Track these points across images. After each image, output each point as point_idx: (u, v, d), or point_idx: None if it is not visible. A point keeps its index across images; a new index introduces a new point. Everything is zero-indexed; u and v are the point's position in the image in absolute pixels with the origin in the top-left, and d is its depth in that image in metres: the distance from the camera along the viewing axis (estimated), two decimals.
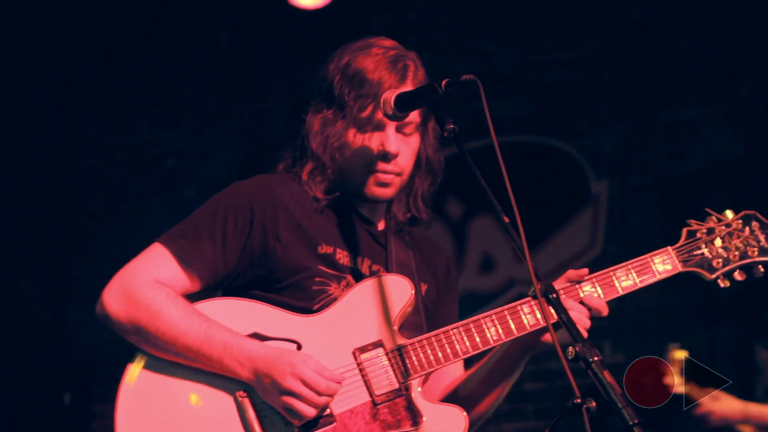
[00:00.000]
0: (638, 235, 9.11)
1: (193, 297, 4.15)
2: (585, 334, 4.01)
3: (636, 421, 3.17)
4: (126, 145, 9.97)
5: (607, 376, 3.27)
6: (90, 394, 9.35)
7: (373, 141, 4.22)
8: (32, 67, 9.49)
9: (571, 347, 3.33)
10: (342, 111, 4.23)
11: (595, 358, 3.31)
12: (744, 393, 8.06)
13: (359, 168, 4.23)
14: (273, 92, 9.31)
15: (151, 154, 9.89)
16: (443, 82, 3.96)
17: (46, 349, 9.47)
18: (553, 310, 3.55)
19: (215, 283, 4.18)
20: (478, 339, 4.13)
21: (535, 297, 3.54)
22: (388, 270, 4.30)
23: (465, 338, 4.12)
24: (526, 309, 4.15)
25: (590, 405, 3.24)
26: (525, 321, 4.14)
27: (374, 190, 4.26)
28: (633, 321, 9.07)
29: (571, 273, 4.25)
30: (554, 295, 3.53)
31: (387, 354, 4.08)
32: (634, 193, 9.34)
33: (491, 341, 4.13)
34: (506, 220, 3.65)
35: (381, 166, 4.22)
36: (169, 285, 4.08)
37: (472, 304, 8.19)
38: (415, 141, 4.31)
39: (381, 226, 4.42)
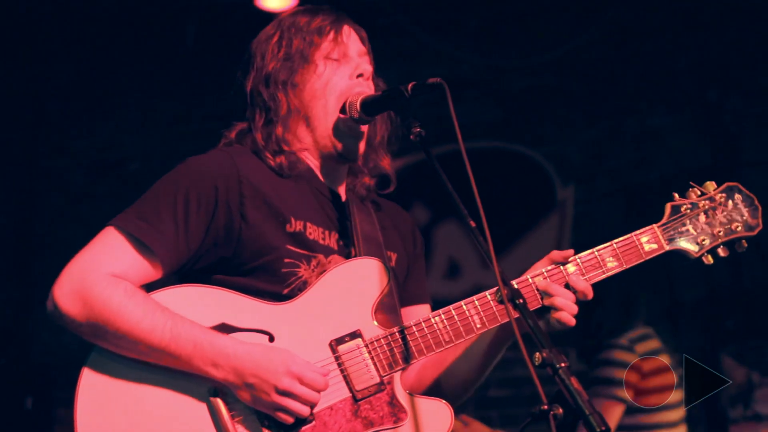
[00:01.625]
0: (604, 241, 9.10)
1: (150, 284, 3.88)
2: (573, 321, 3.97)
3: (603, 428, 3.13)
4: (90, 147, 9.91)
5: (574, 382, 3.22)
6: (52, 398, 9.27)
7: (342, 68, 4.18)
8: None
9: (537, 353, 3.28)
10: (302, 45, 4.18)
11: (562, 365, 3.26)
12: (708, 400, 8.10)
13: (331, 102, 4.15)
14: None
15: (115, 156, 9.84)
16: (410, 86, 3.92)
17: (8, 353, 9.37)
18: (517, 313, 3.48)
19: (177, 267, 3.92)
20: (461, 326, 3.97)
21: (501, 302, 3.49)
22: (354, 244, 4.15)
23: (448, 327, 3.96)
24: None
25: (557, 411, 3.20)
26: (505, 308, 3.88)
27: (348, 142, 4.16)
28: None
29: (556, 254, 4.10)
30: (521, 301, 3.47)
31: (366, 345, 3.91)
32: (600, 199, 9.35)
33: (475, 329, 3.98)
34: (473, 224, 3.58)
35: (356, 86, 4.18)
36: (127, 275, 3.81)
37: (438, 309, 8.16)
38: (370, 91, 4.25)
39: (343, 193, 4.29)
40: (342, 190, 4.29)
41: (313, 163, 4.23)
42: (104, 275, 3.78)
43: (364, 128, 4.24)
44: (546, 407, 3.19)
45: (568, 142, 9.48)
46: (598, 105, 9.40)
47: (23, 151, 9.85)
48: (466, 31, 9.57)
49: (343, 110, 4.15)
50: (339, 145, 4.17)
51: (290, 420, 3.76)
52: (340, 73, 4.18)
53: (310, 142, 4.20)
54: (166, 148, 9.61)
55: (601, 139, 9.39)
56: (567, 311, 3.98)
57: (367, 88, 4.22)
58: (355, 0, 9.08)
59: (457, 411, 4.14)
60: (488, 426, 7.52)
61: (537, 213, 9.54)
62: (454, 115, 3.70)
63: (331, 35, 4.21)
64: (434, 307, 4.07)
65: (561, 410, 3.20)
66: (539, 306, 4.02)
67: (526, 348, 3.28)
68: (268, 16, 9.00)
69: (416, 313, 4.25)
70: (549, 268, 4.07)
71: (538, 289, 4.03)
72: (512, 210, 9.34)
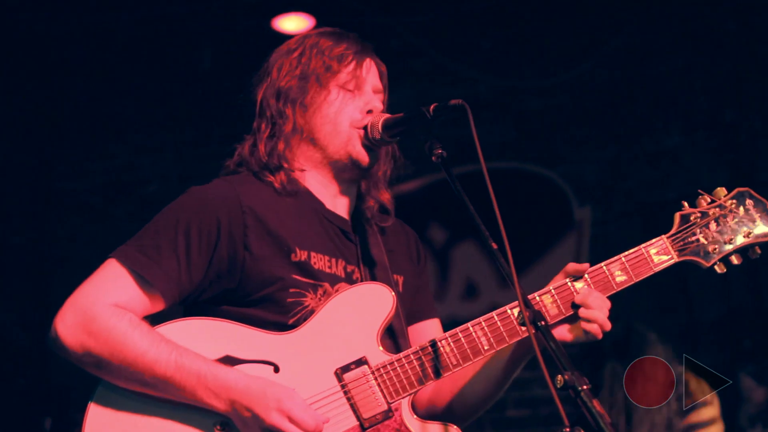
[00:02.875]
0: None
1: (156, 316, 3.87)
2: (601, 335, 3.92)
3: None
4: (107, 169, 9.92)
5: (596, 405, 3.20)
6: (70, 419, 9.27)
7: (356, 101, 4.17)
8: (13, 90, 9.44)
9: (559, 375, 3.26)
10: (320, 69, 4.16)
11: (584, 387, 3.23)
12: (728, 420, 8.08)
13: (347, 124, 4.12)
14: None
15: (131, 178, 9.85)
16: (431, 107, 3.90)
17: (27, 374, 9.38)
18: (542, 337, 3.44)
19: (180, 300, 3.90)
20: (468, 349, 3.92)
21: (523, 324, 3.47)
22: (362, 270, 4.12)
23: (455, 350, 3.91)
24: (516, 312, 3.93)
25: None
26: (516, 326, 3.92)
27: (358, 150, 4.12)
28: None
29: (571, 267, 4.04)
30: (543, 323, 3.44)
31: (373, 372, 3.87)
32: (617, 219, 9.34)
33: (482, 351, 3.93)
34: (495, 246, 3.57)
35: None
36: (129, 308, 3.79)
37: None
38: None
39: (348, 218, 4.24)
40: (347, 215, 4.25)
41: (317, 184, 4.19)
42: (108, 306, 3.77)
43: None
44: (568, 430, 3.18)
45: (584, 162, 9.48)
46: (614, 125, 9.40)
47: (41, 173, 9.87)
48: (482, 52, 9.57)
49: (364, 131, 4.14)
50: (353, 154, 4.13)
51: None
52: (353, 105, 4.16)
53: (315, 162, 4.17)
54: (183, 170, 9.62)
55: (617, 159, 9.38)
56: (602, 326, 3.93)
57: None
58: (371, 21, 9.21)
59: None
60: None
61: (554, 233, 9.52)
62: (476, 136, 3.68)
63: (352, 66, 4.19)
64: (451, 327, 4.03)
65: None
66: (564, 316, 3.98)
67: (547, 369, 3.24)
68: (284, 39, 9.07)
69: (425, 329, 4.26)
70: (557, 285, 4.02)
71: (573, 302, 3.97)
72: (529, 230, 9.32)
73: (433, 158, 3.85)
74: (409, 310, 4.27)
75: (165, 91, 9.74)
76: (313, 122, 4.15)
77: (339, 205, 4.23)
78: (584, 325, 3.94)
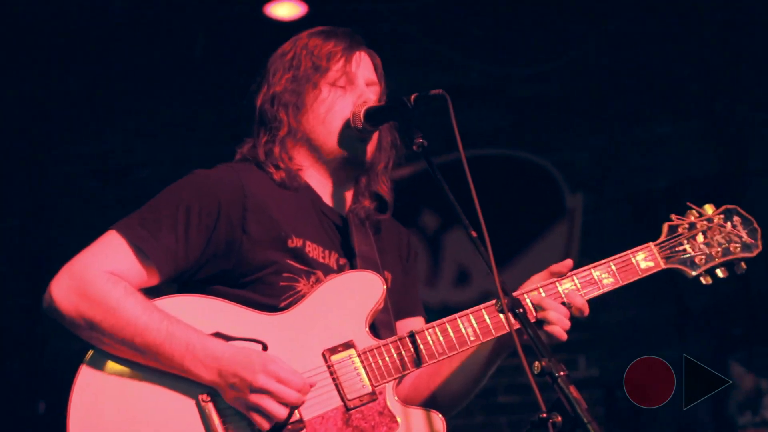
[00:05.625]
0: (612, 249, 9.11)
1: (150, 293, 3.92)
2: (564, 336, 4.01)
3: None
4: (100, 153, 9.92)
5: (573, 391, 3.26)
6: (64, 402, 9.29)
7: (347, 97, 4.23)
8: (6, 74, 9.44)
9: (537, 362, 3.32)
10: (310, 70, 4.23)
11: (561, 373, 3.30)
12: (716, 405, 8.13)
13: (340, 122, 4.19)
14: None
15: (125, 163, 9.85)
16: (412, 97, 3.97)
17: (21, 357, 9.40)
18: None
19: (175, 276, 3.99)
20: (454, 339, 4.00)
21: (501, 311, 3.52)
22: (354, 264, 4.19)
23: (441, 338, 3.99)
24: None
25: (556, 420, 3.24)
26: (503, 318, 3.98)
27: (357, 145, 4.22)
28: (607, 335, 9.08)
29: (555, 267, 4.16)
30: (521, 310, 3.51)
31: (359, 356, 3.94)
32: (608, 207, 9.36)
33: (468, 342, 4.01)
34: (474, 234, 3.63)
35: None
36: (125, 277, 3.86)
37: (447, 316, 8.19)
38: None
39: (344, 215, 4.33)
40: (343, 212, 4.33)
41: (315, 181, 4.28)
42: (104, 272, 3.83)
43: (374, 138, 4.31)
44: (545, 415, 3.24)
45: (576, 149, 9.49)
46: (606, 113, 9.42)
47: (33, 157, 9.87)
48: (474, 39, 9.58)
49: (347, 122, 4.20)
50: (346, 153, 4.22)
51: (265, 425, 3.76)
52: (345, 101, 4.24)
53: (312, 161, 4.27)
54: (175, 154, 9.62)
55: (608, 147, 9.40)
56: (559, 326, 4.03)
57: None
58: (362, 8, 9.23)
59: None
60: None
61: (546, 221, 9.54)
62: (455, 125, 3.77)
63: (341, 62, 4.26)
64: (443, 314, 4.08)
65: (560, 418, 3.23)
66: (533, 321, 4.04)
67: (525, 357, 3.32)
68: (277, 25, 9.08)
69: (410, 326, 4.26)
70: (545, 283, 4.12)
71: (531, 303, 4.06)
72: (521, 218, 9.35)
73: (414, 147, 3.91)
74: (397, 307, 4.33)
75: (158, 75, 9.73)
76: (306, 123, 4.24)
77: (337, 200, 4.33)
78: (546, 327, 4.04)
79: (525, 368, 3.31)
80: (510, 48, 9.56)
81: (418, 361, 3.98)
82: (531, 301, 4.07)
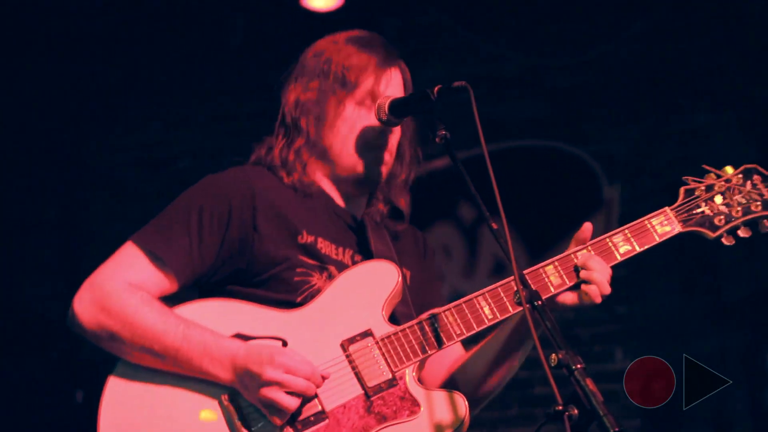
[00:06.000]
0: None
1: (170, 301, 3.99)
2: (599, 299, 4.00)
3: (617, 429, 3.15)
4: (139, 144, 9.98)
5: (589, 383, 3.25)
6: (101, 391, 9.35)
7: (372, 117, 4.21)
8: (44, 66, 9.51)
9: (554, 354, 3.31)
10: (338, 84, 4.23)
11: (578, 366, 3.29)
12: (754, 399, 8.08)
13: (360, 143, 4.21)
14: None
15: (164, 154, 9.91)
16: (435, 89, 3.98)
17: (59, 347, 9.46)
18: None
19: (192, 280, 4.03)
20: (472, 320, 4.02)
21: (519, 303, 3.53)
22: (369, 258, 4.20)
23: (458, 320, 4.01)
24: None
25: (572, 412, 3.23)
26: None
27: (374, 168, 4.24)
28: (643, 327, 9.05)
29: (577, 234, 4.19)
30: (539, 302, 3.51)
31: (377, 343, 3.97)
32: (646, 198, 9.31)
33: (486, 321, 4.02)
34: (494, 226, 3.64)
35: (383, 141, 4.24)
36: (144, 287, 3.93)
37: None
38: (398, 129, 4.33)
39: (359, 218, 4.35)
40: (358, 214, 4.36)
41: (328, 188, 4.31)
42: (122, 284, 3.91)
43: (392, 137, 4.30)
44: (561, 407, 3.24)
45: (613, 140, 9.45)
46: (643, 102, 9.36)
47: (73, 149, 9.94)
48: (510, 30, 9.55)
49: (367, 143, 4.24)
50: (363, 173, 4.25)
51: (278, 420, 3.79)
52: (369, 122, 4.24)
53: (325, 174, 4.29)
54: (214, 145, 9.67)
55: (646, 137, 9.35)
56: (600, 288, 4.00)
57: (392, 136, 4.29)
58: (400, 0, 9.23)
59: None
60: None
61: (583, 212, 9.50)
62: (477, 117, 3.75)
63: (371, 80, 4.24)
64: None
65: (576, 411, 3.23)
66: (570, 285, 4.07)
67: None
68: (314, 15, 9.08)
69: None
70: (560, 256, 4.14)
71: (575, 267, 4.07)
72: (558, 209, 9.33)
73: (436, 140, 3.92)
74: (418, 303, 4.33)
75: (196, 66, 9.78)
76: (326, 138, 4.25)
77: (351, 205, 4.35)
78: (584, 287, 4.03)
79: (542, 360, 3.29)
80: (547, 38, 9.53)
81: (436, 344, 4.00)
82: (576, 260, 4.08)
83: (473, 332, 4.04)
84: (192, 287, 4.08)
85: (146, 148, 9.99)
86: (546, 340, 3.41)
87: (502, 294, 4.05)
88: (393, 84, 4.30)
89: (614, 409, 3.22)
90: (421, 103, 4.03)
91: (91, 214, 9.83)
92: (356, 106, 4.24)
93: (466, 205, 9.42)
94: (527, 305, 3.48)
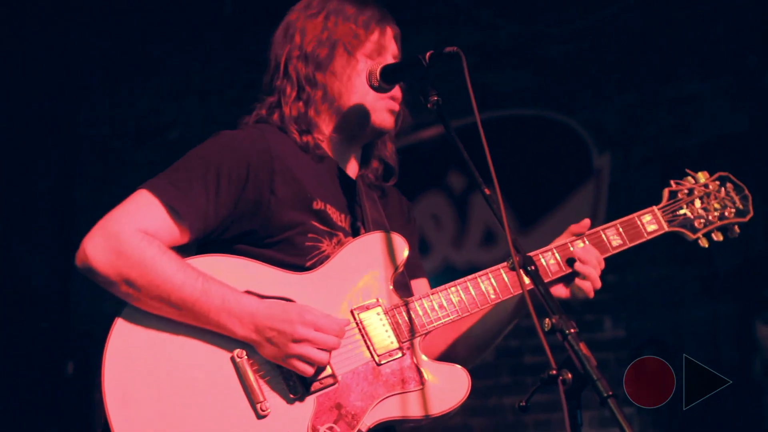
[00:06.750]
0: (640, 209, 9.07)
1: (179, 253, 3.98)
2: (592, 294, 4.22)
3: (610, 393, 3.18)
4: (130, 115, 9.97)
5: (582, 348, 3.27)
6: (92, 363, 9.36)
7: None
8: (34, 37, 9.48)
9: (547, 319, 3.33)
10: (349, 37, 4.27)
11: (572, 330, 3.32)
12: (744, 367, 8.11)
13: (373, 94, 4.24)
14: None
15: (155, 124, 9.89)
16: (427, 54, 3.98)
17: (49, 318, 9.48)
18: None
19: (204, 235, 4.02)
20: (476, 297, 4.16)
21: (513, 269, 3.54)
22: (367, 228, 4.26)
23: (463, 297, 4.14)
24: None
25: (566, 377, 3.25)
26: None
27: (385, 117, 4.30)
28: (633, 296, 9.07)
29: (574, 227, 4.34)
30: (532, 267, 3.55)
31: (386, 313, 4.06)
32: (637, 167, 9.32)
33: (489, 299, 4.17)
34: (487, 192, 3.66)
35: (394, 92, 4.29)
36: (158, 236, 3.90)
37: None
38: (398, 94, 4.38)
39: (355, 180, 4.41)
40: (353, 175, 4.42)
41: (334, 146, 4.35)
42: (137, 230, 3.86)
43: (397, 101, 4.35)
44: (555, 372, 3.27)
45: (604, 109, 9.44)
46: (635, 71, 9.35)
47: (64, 120, 9.92)
48: None
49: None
50: (377, 125, 4.30)
51: (309, 371, 3.85)
52: None
53: (334, 128, 4.32)
54: (205, 116, 9.66)
55: (637, 106, 9.34)
56: (593, 283, 4.21)
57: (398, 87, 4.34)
58: None
59: None
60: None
61: (573, 181, 9.51)
62: (470, 84, 3.74)
63: (376, 35, 4.31)
64: (468, 273, 4.22)
65: (570, 375, 3.25)
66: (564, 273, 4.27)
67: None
68: None
69: (417, 287, 4.42)
70: (559, 243, 4.30)
71: (568, 258, 4.27)
72: (549, 178, 9.34)
73: (428, 105, 3.94)
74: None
75: (188, 36, 9.75)
76: (341, 91, 4.28)
77: (350, 167, 4.41)
78: (578, 281, 4.24)
79: (536, 325, 3.32)
80: (538, 7, 9.51)
81: (441, 318, 4.13)
82: (573, 252, 4.27)
83: (476, 310, 4.18)
84: (202, 242, 4.08)
85: (137, 119, 9.97)
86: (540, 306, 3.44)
87: (504, 275, 4.21)
88: (391, 38, 4.38)
89: None
90: (413, 68, 4.04)
91: (82, 185, 9.81)
92: (366, 59, 4.27)
93: (456, 173, 9.42)
94: (520, 269, 3.52)
